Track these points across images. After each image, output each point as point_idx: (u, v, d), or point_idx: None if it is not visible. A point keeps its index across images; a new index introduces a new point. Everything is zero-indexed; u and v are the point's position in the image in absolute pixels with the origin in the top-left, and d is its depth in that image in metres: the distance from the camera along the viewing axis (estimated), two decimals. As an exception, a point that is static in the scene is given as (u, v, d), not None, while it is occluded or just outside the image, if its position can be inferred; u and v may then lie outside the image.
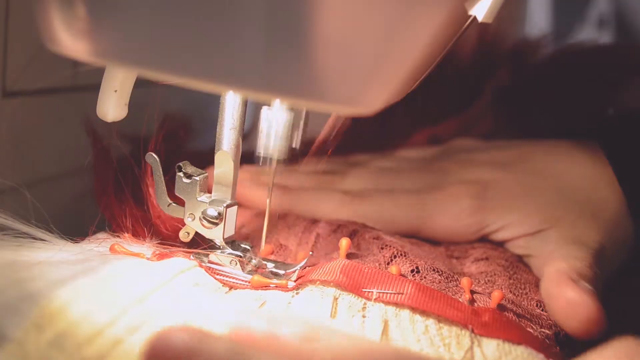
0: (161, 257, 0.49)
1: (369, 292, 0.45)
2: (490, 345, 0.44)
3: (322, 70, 0.34)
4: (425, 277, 0.50)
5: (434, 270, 0.51)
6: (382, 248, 0.53)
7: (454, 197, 0.60)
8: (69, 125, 0.62)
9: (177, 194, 0.49)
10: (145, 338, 0.37)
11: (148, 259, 0.49)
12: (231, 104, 0.48)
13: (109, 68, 0.46)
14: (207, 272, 0.48)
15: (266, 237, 0.51)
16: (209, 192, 0.49)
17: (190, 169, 0.49)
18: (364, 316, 0.44)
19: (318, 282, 0.46)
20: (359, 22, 0.34)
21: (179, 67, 0.35)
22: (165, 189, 0.50)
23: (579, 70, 0.71)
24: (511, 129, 0.71)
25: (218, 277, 0.48)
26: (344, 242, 0.50)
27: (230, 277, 0.48)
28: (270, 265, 0.50)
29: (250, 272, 0.48)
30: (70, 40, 0.36)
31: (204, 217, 0.48)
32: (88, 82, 0.61)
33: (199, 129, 0.75)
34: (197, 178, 0.49)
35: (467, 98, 0.70)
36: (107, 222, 0.54)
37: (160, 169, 0.50)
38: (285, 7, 0.33)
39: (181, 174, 0.49)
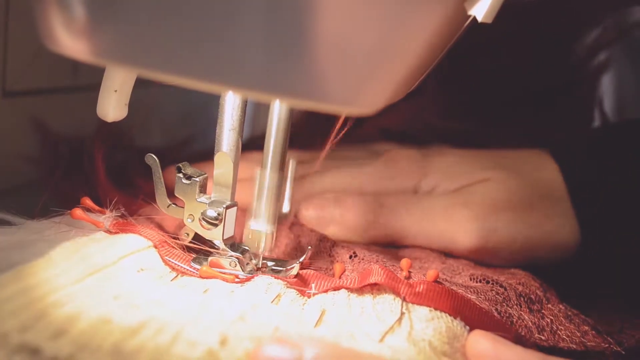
0: (120, 226, 0.49)
1: (310, 292, 0.47)
2: (421, 311, 0.45)
3: (322, 70, 0.34)
4: (363, 259, 0.52)
5: (370, 252, 0.53)
6: (320, 240, 0.55)
7: (393, 160, 0.62)
8: (69, 125, 0.62)
9: (176, 194, 0.49)
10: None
11: (106, 230, 0.49)
12: (230, 105, 0.48)
13: (109, 68, 0.46)
14: (159, 254, 0.48)
15: None
16: (209, 193, 0.50)
17: (189, 170, 0.49)
18: (303, 309, 0.45)
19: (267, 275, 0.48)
20: (358, 22, 0.34)
21: (178, 67, 0.35)
22: (164, 189, 0.50)
23: (519, 34, 0.72)
24: (463, 112, 0.71)
25: (171, 261, 0.48)
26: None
27: (183, 264, 0.48)
28: (270, 264, 0.50)
29: (250, 272, 0.49)
30: (70, 41, 0.36)
31: (203, 218, 0.48)
32: (88, 82, 0.61)
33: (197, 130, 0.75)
34: (197, 179, 0.49)
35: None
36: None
37: (160, 170, 0.50)
38: (284, 7, 0.33)
39: (181, 174, 0.49)
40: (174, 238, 0.50)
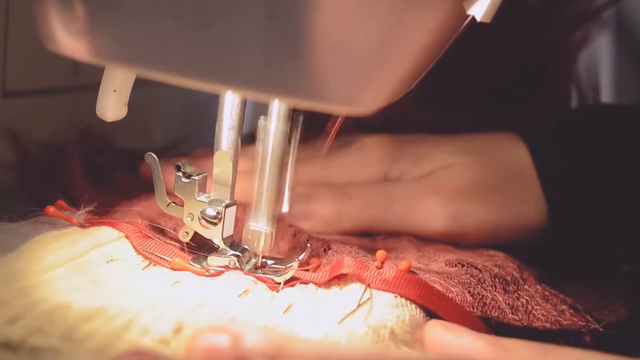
0: (93, 221, 0.50)
1: (279, 287, 0.47)
2: (387, 297, 0.45)
3: (321, 71, 0.34)
4: (336, 251, 0.52)
5: (344, 244, 0.54)
6: (294, 235, 0.56)
7: (363, 148, 0.63)
8: (69, 125, 0.62)
9: (176, 193, 0.49)
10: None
11: (80, 225, 0.49)
12: (230, 103, 0.48)
13: (108, 68, 0.46)
14: (132, 244, 0.48)
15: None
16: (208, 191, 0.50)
17: (189, 168, 0.49)
18: (270, 302, 0.45)
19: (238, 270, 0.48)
20: (357, 22, 0.34)
21: (178, 67, 0.35)
22: (164, 188, 0.50)
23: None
24: (440, 102, 0.71)
25: (144, 251, 0.48)
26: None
27: (156, 255, 0.48)
28: (269, 262, 0.50)
29: (250, 271, 0.49)
30: (70, 40, 0.37)
31: (202, 217, 0.49)
32: (88, 82, 0.61)
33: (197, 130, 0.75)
34: (196, 178, 0.49)
35: None
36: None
37: (160, 169, 0.50)
38: (284, 7, 0.33)
39: (180, 173, 0.49)
40: (154, 227, 0.51)
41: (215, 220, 0.48)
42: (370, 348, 0.40)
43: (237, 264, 0.49)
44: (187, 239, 0.50)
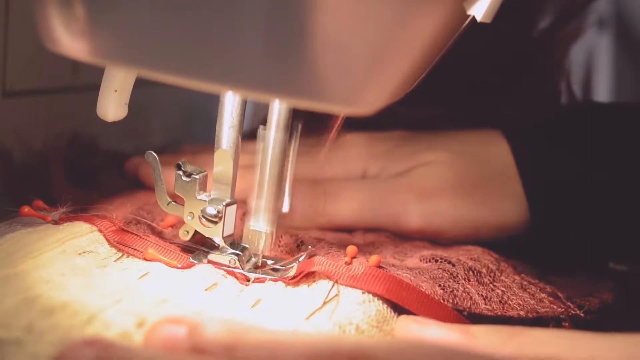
0: (68, 218, 0.50)
1: (248, 282, 0.47)
2: (354, 294, 0.45)
3: (321, 70, 0.34)
4: (309, 247, 0.53)
5: (318, 240, 0.54)
6: None
7: (343, 145, 0.63)
8: (69, 125, 0.62)
9: (176, 192, 0.50)
10: None
11: (54, 222, 0.50)
12: (230, 102, 0.48)
13: (109, 68, 0.46)
14: (104, 236, 0.49)
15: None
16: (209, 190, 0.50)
17: (189, 167, 0.50)
18: (238, 296, 0.45)
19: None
20: (357, 22, 0.34)
21: (178, 67, 0.35)
22: (164, 187, 0.50)
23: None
24: (429, 99, 0.71)
25: (118, 244, 0.49)
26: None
27: (129, 246, 0.49)
28: (270, 262, 0.50)
29: (250, 270, 0.49)
30: (70, 41, 0.37)
31: (203, 216, 0.49)
32: (88, 82, 0.61)
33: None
34: (197, 177, 0.49)
35: None
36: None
37: (160, 168, 0.50)
38: (284, 7, 0.33)
39: (180, 172, 0.49)
40: (130, 221, 0.51)
41: (215, 219, 0.49)
42: (325, 336, 0.40)
43: (238, 263, 0.49)
44: (187, 238, 0.50)
